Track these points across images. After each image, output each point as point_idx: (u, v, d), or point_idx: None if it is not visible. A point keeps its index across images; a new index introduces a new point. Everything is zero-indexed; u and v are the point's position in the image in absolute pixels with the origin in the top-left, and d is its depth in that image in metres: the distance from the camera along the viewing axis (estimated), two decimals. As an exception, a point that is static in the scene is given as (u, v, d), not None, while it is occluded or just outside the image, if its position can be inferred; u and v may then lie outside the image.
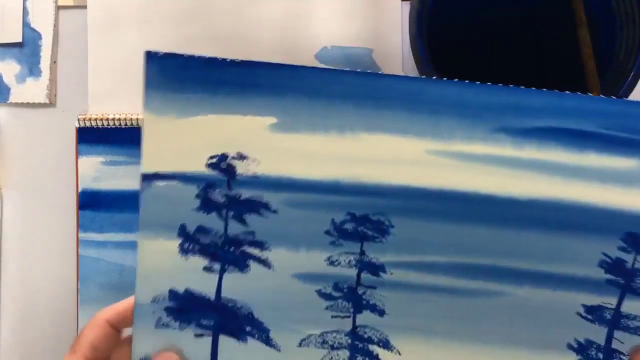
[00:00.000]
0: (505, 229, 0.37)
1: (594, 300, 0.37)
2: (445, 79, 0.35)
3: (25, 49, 0.53)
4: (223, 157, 0.36)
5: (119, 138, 0.50)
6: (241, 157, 0.36)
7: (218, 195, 0.37)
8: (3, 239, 0.54)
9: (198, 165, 0.36)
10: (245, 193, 0.37)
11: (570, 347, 0.38)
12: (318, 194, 0.36)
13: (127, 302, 0.39)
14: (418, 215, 0.37)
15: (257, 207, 0.37)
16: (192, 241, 0.37)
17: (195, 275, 0.37)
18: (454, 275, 0.37)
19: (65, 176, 0.53)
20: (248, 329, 0.38)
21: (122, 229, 0.50)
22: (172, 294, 0.37)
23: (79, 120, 0.51)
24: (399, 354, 0.38)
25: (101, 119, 0.50)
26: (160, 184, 0.36)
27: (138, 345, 0.38)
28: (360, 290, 0.38)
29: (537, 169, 0.36)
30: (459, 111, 0.35)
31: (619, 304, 0.38)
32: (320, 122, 0.36)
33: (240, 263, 0.37)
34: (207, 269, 0.37)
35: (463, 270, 0.37)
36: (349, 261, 0.37)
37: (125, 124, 0.50)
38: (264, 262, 0.37)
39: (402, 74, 0.34)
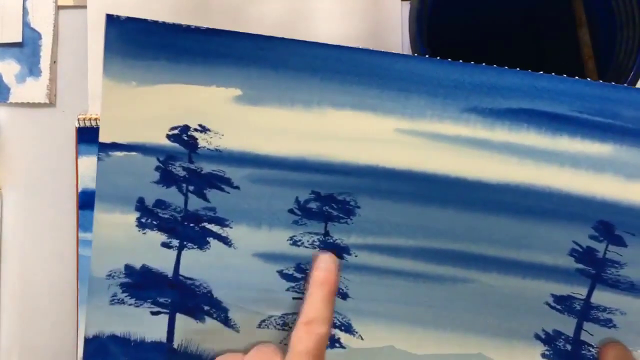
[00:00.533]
0: (473, 212, 0.36)
1: (563, 290, 0.36)
2: (416, 55, 0.34)
3: (25, 49, 0.53)
4: (185, 128, 0.35)
5: None
6: (204, 129, 0.35)
7: (179, 169, 0.35)
8: (3, 239, 0.54)
9: (158, 136, 0.35)
10: (207, 167, 0.35)
11: (538, 337, 0.37)
12: (282, 170, 0.35)
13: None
14: (385, 196, 0.36)
15: (218, 182, 0.36)
16: (150, 215, 0.36)
17: (152, 250, 0.36)
18: (420, 259, 0.36)
19: (65, 176, 0.52)
20: (206, 308, 0.37)
21: None
22: (129, 269, 0.36)
23: (79, 120, 0.51)
24: (362, 338, 0.37)
25: None
26: (118, 154, 0.35)
27: (92, 321, 0.37)
28: None
29: (508, 152, 0.35)
30: (429, 89, 0.34)
31: (589, 294, 0.37)
32: (286, 96, 0.35)
33: (200, 240, 0.36)
34: (166, 244, 0.36)
35: (429, 254, 0.36)
36: (313, 241, 0.36)
37: None
38: (225, 240, 0.36)
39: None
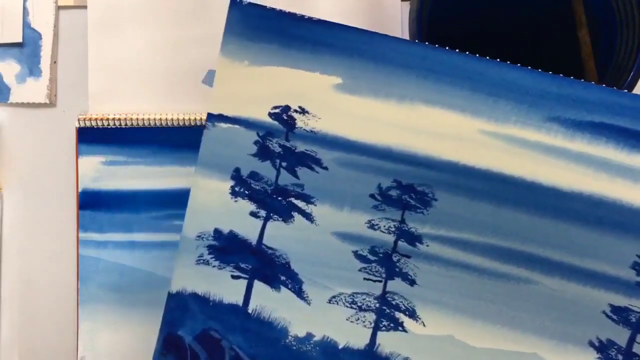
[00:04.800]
0: (544, 217, 0.38)
1: (621, 301, 0.38)
2: (508, 62, 0.37)
3: (25, 49, 0.53)
4: (286, 108, 0.38)
5: (119, 138, 0.50)
6: (303, 111, 0.38)
7: (275, 145, 0.38)
8: (3, 239, 0.53)
9: (261, 113, 0.38)
10: (301, 146, 0.38)
11: (591, 344, 0.39)
12: (369, 157, 0.38)
13: None
14: (462, 192, 0.38)
15: (309, 161, 0.38)
16: (243, 185, 0.39)
17: (241, 218, 0.39)
18: (487, 256, 0.38)
19: (65, 176, 0.52)
20: (283, 278, 0.39)
21: (122, 229, 0.50)
22: (217, 233, 0.39)
23: (79, 120, 0.50)
24: (424, 325, 0.39)
25: (101, 119, 0.50)
26: (223, 125, 0.38)
27: (177, 278, 0.39)
28: (395, 257, 0.39)
29: (585, 163, 0.37)
30: (517, 96, 0.37)
31: None
32: (383, 89, 0.37)
33: (286, 213, 0.39)
34: (254, 214, 0.39)
35: (497, 252, 0.38)
36: (389, 227, 0.39)
37: (125, 124, 0.50)
38: (308, 216, 0.39)
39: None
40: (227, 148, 0.38)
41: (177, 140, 0.48)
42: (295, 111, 0.38)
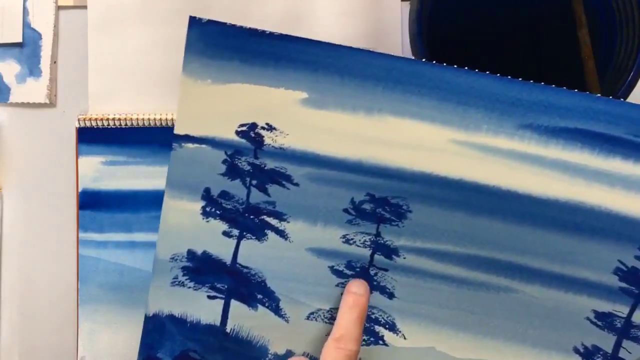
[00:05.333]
0: (521, 225, 0.37)
1: (605, 306, 0.37)
2: (477, 70, 0.36)
3: (25, 49, 0.53)
4: (253, 125, 0.37)
5: (119, 138, 0.50)
6: (270, 127, 0.37)
7: (244, 163, 0.38)
8: (3, 239, 0.53)
9: (228, 131, 0.37)
10: (270, 163, 0.38)
11: (576, 350, 0.38)
12: (340, 171, 0.37)
13: None
14: (437, 203, 0.37)
15: (280, 178, 0.38)
16: (214, 205, 0.38)
17: (214, 238, 0.38)
18: (466, 266, 0.38)
19: (65, 176, 0.52)
20: (259, 296, 0.39)
21: (122, 229, 0.50)
22: (191, 254, 0.39)
23: (79, 120, 0.50)
24: (404, 337, 0.39)
25: (101, 119, 0.50)
26: (190, 146, 0.38)
27: (153, 300, 0.39)
28: (372, 271, 0.38)
29: (560, 169, 0.36)
30: (487, 104, 0.36)
31: (631, 313, 0.37)
32: (350, 102, 0.37)
33: (259, 231, 0.38)
34: (226, 233, 0.38)
35: (475, 262, 0.38)
36: (364, 241, 0.38)
37: (125, 124, 0.50)
38: (282, 233, 0.38)
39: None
40: (195, 168, 0.38)
41: None
42: (263, 128, 0.37)
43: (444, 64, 0.36)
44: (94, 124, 0.50)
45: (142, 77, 0.51)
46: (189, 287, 0.39)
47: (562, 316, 0.38)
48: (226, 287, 0.39)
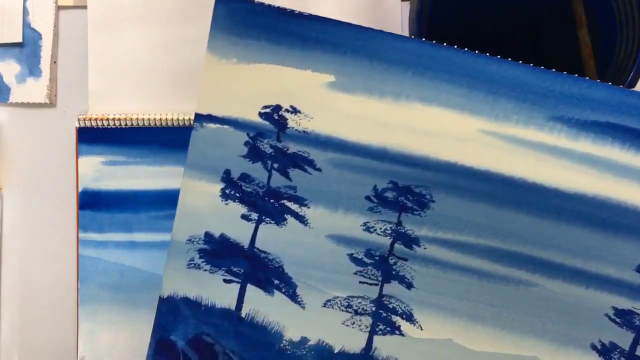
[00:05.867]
0: (546, 219, 0.36)
1: (625, 304, 0.37)
2: (509, 59, 0.35)
3: (25, 49, 0.52)
4: (277, 108, 0.36)
5: (119, 138, 0.50)
6: (294, 110, 0.36)
7: (266, 146, 0.37)
8: (3, 239, 0.53)
9: (251, 112, 0.36)
10: (293, 147, 0.37)
11: (594, 347, 0.38)
12: (364, 158, 0.37)
13: None
14: (461, 193, 0.37)
15: (302, 162, 0.37)
16: (234, 187, 0.37)
17: (232, 221, 0.38)
18: (487, 258, 0.37)
19: (65, 176, 0.52)
20: (276, 282, 0.38)
21: (122, 229, 0.50)
22: (208, 236, 0.38)
23: (79, 120, 0.50)
24: (421, 328, 0.38)
25: (101, 119, 0.49)
26: (212, 126, 0.37)
27: (167, 282, 0.38)
28: (391, 260, 0.38)
29: (589, 163, 0.35)
30: (518, 94, 0.35)
31: None
32: (377, 86, 0.36)
33: (278, 216, 0.38)
34: (245, 217, 0.38)
35: (497, 255, 0.37)
36: (385, 230, 0.37)
37: (125, 124, 0.49)
38: (301, 218, 0.38)
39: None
40: (216, 149, 0.37)
41: (177, 140, 0.48)
42: (287, 111, 0.36)
43: (476, 51, 0.35)
44: (94, 124, 0.50)
45: (142, 77, 0.50)
46: (205, 270, 0.38)
47: (581, 312, 0.37)
48: (243, 271, 0.38)
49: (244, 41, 0.36)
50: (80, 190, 0.50)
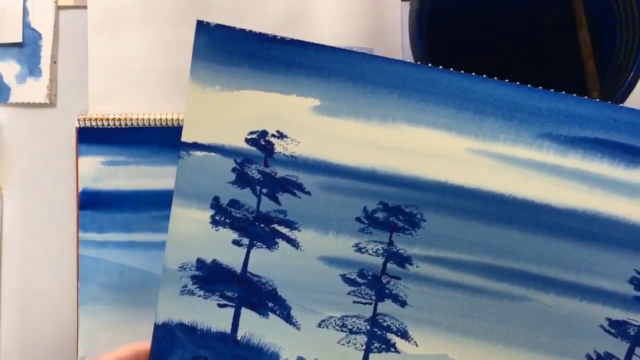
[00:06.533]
0: (538, 235, 0.36)
1: (619, 315, 0.37)
2: (495, 78, 0.34)
3: (25, 49, 0.53)
4: (263, 133, 0.36)
5: (119, 138, 0.50)
6: (281, 135, 0.36)
7: (254, 171, 0.37)
8: (3, 239, 0.53)
9: (237, 139, 0.36)
10: (281, 172, 0.37)
11: (589, 357, 0.38)
12: (353, 180, 0.36)
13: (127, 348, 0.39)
14: (451, 212, 0.36)
15: (291, 186, 0.37)
16: (224, 214, 0.37)
17: (223, 247, 0.38)
18: (479, 275, 0.37)
19: (65, 176, 0.52)
20: (270, 304, 0.38)
21: (122, 229, 0.50)
22: (200, 263, 0.38)
23: (79, 120, 0.50)
24: (416, 345, 0.38)
25: (101, 119, 0.49)
26: (199, 154, 0.37)
27: (162, 309, 0.39)
28: (384, 279, 0.38)
29: (578, 179, 0.35)
30: (505, 113, 0.35)
31: None
32: (363, 109, 0.35)
33: (269, 240, 0.38)
34: (236, 242, 0.38)
35: (489, 271, 0.37)
36: (377, 250, 0.37)
37: (125, 124, 0.49)
38: (293, 242, 0.38)
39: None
40: (204, 177, 0.37)
41: (177, 140, 0.47)
42: (273, 135, 0.36)
43: (461, 72, 0.35)
44: (94, 124, 0.50)
45: (142, 77, 0.50)
46: (199, 296, 0.38)
47: (575, 324, 0.37)
48: (236, 295, 0.38)
49: (226, 68, 0.35)
50: (80, 190, 0.51)
